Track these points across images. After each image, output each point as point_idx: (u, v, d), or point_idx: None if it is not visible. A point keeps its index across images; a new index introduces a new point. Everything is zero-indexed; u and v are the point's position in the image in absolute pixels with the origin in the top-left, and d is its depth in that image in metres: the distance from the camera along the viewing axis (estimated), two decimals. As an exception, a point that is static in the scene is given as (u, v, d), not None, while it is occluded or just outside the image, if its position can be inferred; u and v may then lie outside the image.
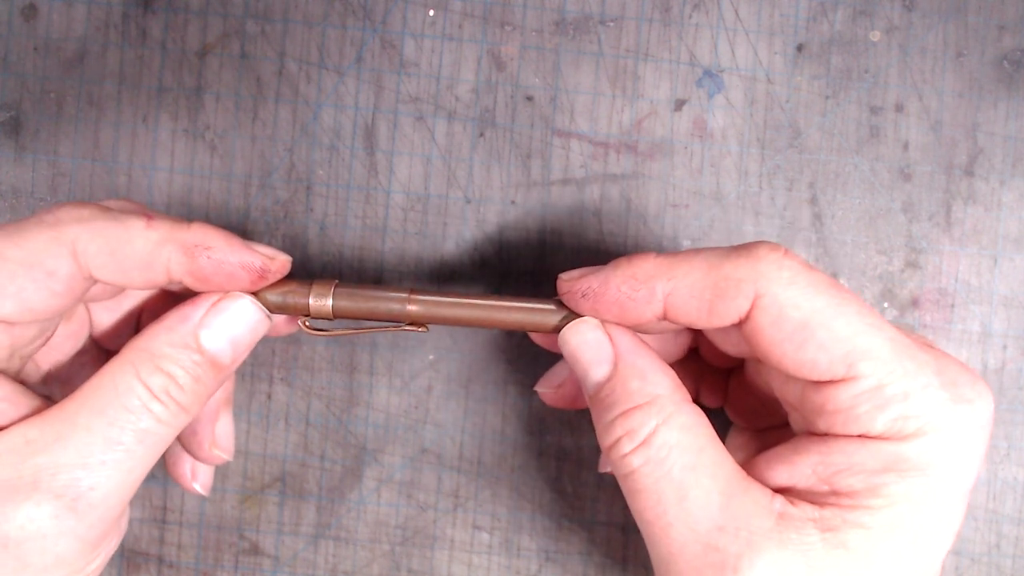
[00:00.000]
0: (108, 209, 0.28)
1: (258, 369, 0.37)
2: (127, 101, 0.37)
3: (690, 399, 0.28)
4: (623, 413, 0.27)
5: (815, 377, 0.26)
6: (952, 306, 0.37)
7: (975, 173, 0.37)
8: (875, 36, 0.37)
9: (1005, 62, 0.37)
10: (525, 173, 0.37)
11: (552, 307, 0.29)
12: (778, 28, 0.37)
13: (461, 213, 0.37)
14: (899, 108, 0.37)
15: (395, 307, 0.29)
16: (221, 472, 0.37)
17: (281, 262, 0.29)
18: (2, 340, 0.27)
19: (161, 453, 0.28)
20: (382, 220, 0.37)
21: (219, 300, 0.29)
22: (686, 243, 0.37)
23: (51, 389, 0.31)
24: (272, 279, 0.29)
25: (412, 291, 0.30)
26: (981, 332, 0.37)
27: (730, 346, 0.31)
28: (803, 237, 0.37)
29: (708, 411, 0.28)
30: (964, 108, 0.37)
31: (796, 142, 0.37)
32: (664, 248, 0.37)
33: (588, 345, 0.29)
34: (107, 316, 0.32)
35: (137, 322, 0.33)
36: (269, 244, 0.30)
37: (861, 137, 0.37)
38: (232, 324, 0.29)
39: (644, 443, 0.27)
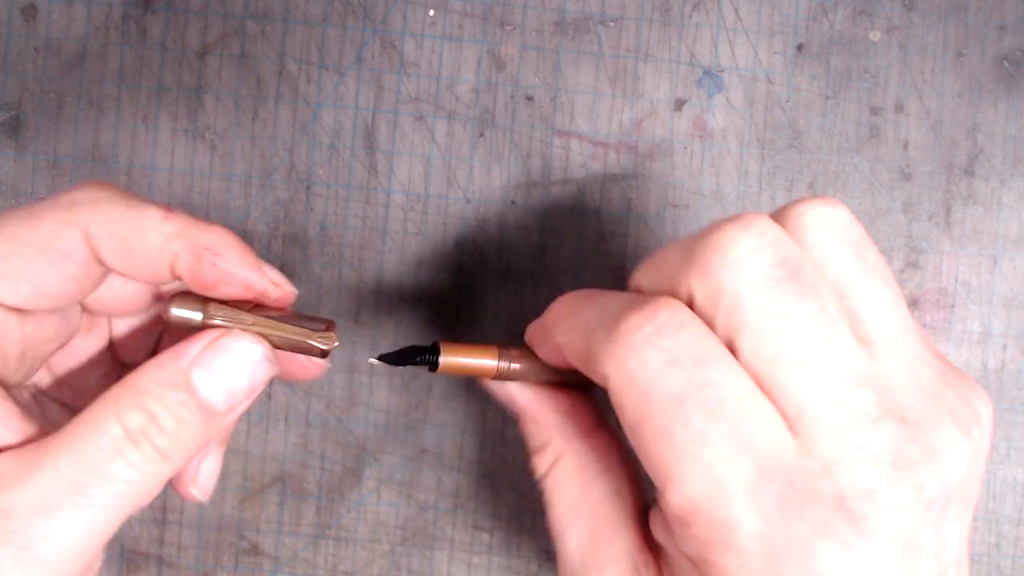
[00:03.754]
0: (128, 194, 0.27)
1: (258, 369, 0.37)
2: (127, 101, 0.37)
3: (590, 430, 0.29)
4: (533, 451, 0.29)
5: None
6: (952, 306, 0.37)
7: (975, 173, 0.37)
8: (875, 36, 0.37)
9: (1005, 62, 0.37)
10: (525, 173, 0.37)
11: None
12: (778, 28, 0.37)
13: (461, 213, 0.37)
14: (899, 108, 0.37)
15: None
16: (221, 472, 0.37)
17: (284, 294, 0.27)
18: (15, 334, 0.26)
19: (134, 507, 0.25)
20: (382, 220, 0.37)
21: (218, 337, 0.26)
22: (686, 243, 0.37)
23: (63, 396, 0.30)
24: (270, 306, 0.27)
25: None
26: (981, 332, 0.37)
27: None
28: (803, 237, 0.37)
29: None
30: (964, 108, 0.37)
31: (796, 142, 0.37)
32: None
33: (500, 396, 0.31)
34: (127, 329, 0.31)
35: (158, 343, 0.32)
36: (283, 273, 0.29)
37: (861, 137, 0.37)
38: (229, 366, 0.26)
39: (542, 478, 0.29)
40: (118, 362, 0.31)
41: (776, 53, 0.37)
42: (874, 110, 0.37)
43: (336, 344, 0.28)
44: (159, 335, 0.32)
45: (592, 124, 0.37)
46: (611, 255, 0.37)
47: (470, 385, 0.37)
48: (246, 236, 0.37)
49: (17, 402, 0.26)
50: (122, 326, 0.31)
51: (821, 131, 0.37)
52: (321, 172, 0.37)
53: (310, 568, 0.37)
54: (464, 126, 0.37)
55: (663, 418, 0.22)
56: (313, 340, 0.27)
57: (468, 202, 0.37)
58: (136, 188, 0.37)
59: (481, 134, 0.37)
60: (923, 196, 0.37)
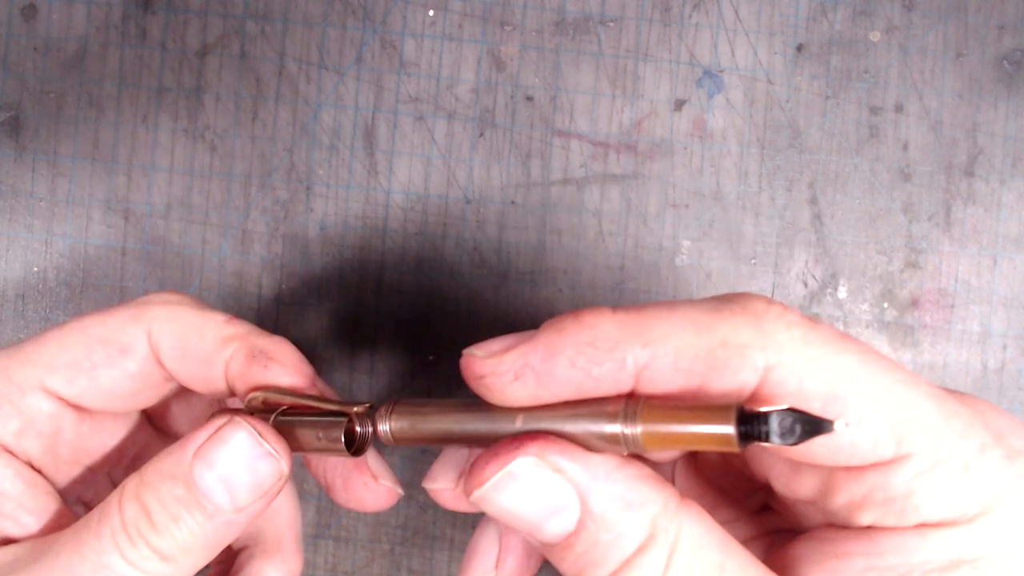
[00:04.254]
0: (200, 302, 0.26)
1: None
2: (127, 101, 0.37)
3: (679, 497, 0.21)
4: (621, 568, 0.20)
5: (856, 462, 0.21)
6: (952, 306, 0.37)
7: (975, 173, 0.37)
8: (875, 36, 0.37)
9: (1005, 62, 0.37)
10: (525, 173, 0.37)
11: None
12: (778, 28, 0.37)
13: (461, 213, 0.37)
14: (899, 108, 0.37)
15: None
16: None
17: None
18: (69, 433, 0.26)
19: None
20: (382, 220, 0.37)
21: (222, 426, 0.23)
22: (686, 243, 0.37)
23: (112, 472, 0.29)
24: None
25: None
26: (981, 332, 0.37)
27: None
28: (803, 237, 0.37)
29: None
30: (964, 108, 0.37)
31: (796, 142, 0.37)
32: (664, 248, 0.37)
33: (529, 497, 0.21)
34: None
35: None
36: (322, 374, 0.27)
37: (861, 137, 0.37)
38: (229, 458, 0.23)
39: None
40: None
41: (776, 53, 0.37)
42: (874, 110, 0.37)
43: (369, 430, 0.24)
44: None
45: (592, 124, 0.37)
46: (611, 255, 0.37)
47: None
48: (246, 236, 0.37)
49: (58, 496, 0.25)
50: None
51: (821, 131, 0.37)
52: (321, 172, 0.37)
53: (310, 568, 0.37)
54: (464, 126, 0.37)
55: (861, 351, 0.21)
56: (334, 431, 0.24)
57: (468, 202, 0.37)
58: (136, 188, 0.37)
59: (481, 134, 0.37)
60: (923, 196, 0.37)
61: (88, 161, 0.37)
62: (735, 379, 0.20)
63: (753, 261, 0.37)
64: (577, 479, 0.20)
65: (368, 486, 0.26)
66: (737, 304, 0.21)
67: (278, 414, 0.24)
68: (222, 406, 0.29)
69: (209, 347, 0.25)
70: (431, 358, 0.37)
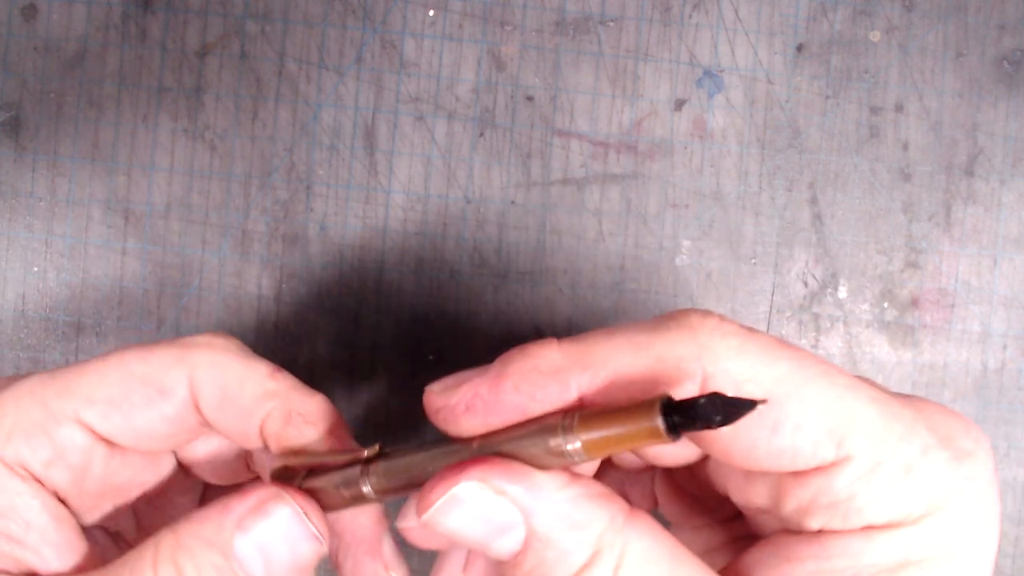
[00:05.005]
0: (246, 349, 0.26)
1: (258, 369, 0.37)
2: (127, 101, 0.37)
3: (630, 509, 0.21)
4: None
5: (799, 466, 0.21)
6: (952, 306, 0.37)
7: (975, 173, 0.37)
8: (875, 36, 0.37)
9: (1005, 62, 0.37)
10: (525, 173, 0.37)
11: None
12: (778, 28, 0.37)
13: (461, 213, 0.37)
14: (899, 108, 0.37)
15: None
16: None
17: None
18: (98, 467, 0.25)
19: None
20: (382, 220, 0.37)
21: (267, 500, 0.23)
22: (686, 243, 0.37)
23: (143, 538, 0.29)
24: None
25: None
26: (981, 332, 0.37)
27: (665, 449, 0.24)
28: (803, 237, 0.37)
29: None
30: (964, 108, 0.37)
31: (796, 142, 0.37)
32: (664, 248, 0.37)
33: (475, 518, 0.21)
34: (220, 493, 0.29)
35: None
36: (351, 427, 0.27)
37: (861, 137, 0.37)
38: (271, 534, 0.23)
39: None
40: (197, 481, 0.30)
41: (776, 53, 0.37)
42: (874, 110, 0.37)
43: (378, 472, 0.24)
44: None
45: (592, 124, 0.37)
46: (611, 255, 0.37)
47: (470, 385, 0.37)
48: (246, 236, 0.37)
49: (82, 532, 0.25)
50: (217, 489, 0.30)
51: (821, 131, 0.37)
52: (321, 172, 0.37)
53: (310, 568, 0.37)
54: (464, 126, 0.37)
55: (799, 357, 0.21)
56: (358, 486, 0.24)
57: (468, 202, 0.37)
58: (136, 188, 0.37)
59: (481, 134, 0.37)
60: (923, 196, 0.37)
61: (88, 161, 0.37)
62: (677, 392, 0.21)
63: (753, 261, 0.37)
64: (521, 500, 0.21)
65: (377, 574, 0.27)
66: (674, 321, 0.21)
67: (303, 478, 0.25)
68: (248, 459, 0.28)
69: (248, 402, 0.25)
70: (431, 358, 0.37)
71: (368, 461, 0.24)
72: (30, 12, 0.37)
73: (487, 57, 0.37)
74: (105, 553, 0.27)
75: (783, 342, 0.22)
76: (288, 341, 0.37)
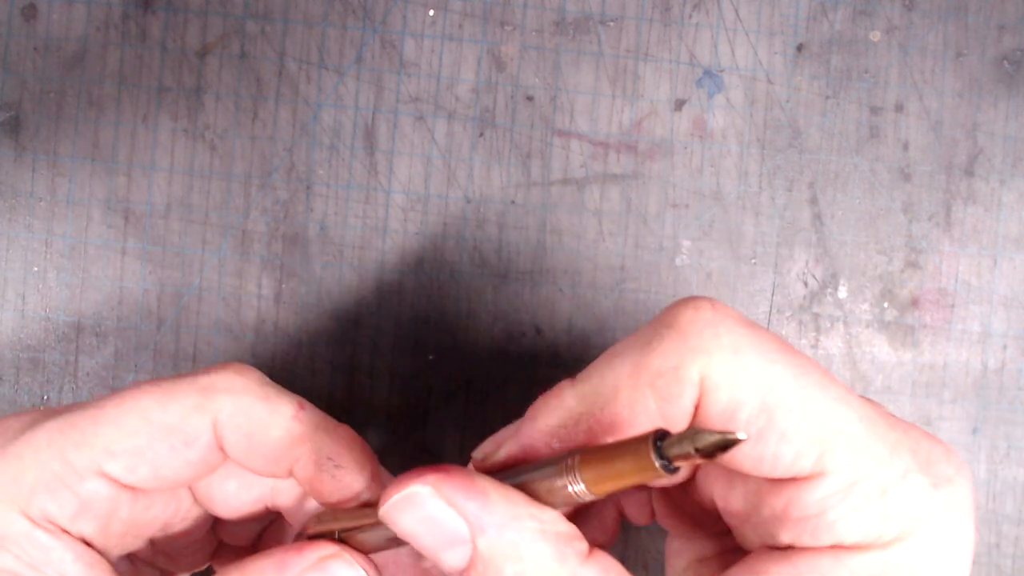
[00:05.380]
0: (265, 383, 0.26)
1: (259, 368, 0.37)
2: (127, 101, 0.37)
3: (589, 551, 0.21)
4: None
5: (778, 474, 0.21)
6: (952, 306, 0.37)
7: (975, 173, 0.37)
8: (875, 36, 0.37)
9: (1005, 62, 0.37)
10: (525, 173, 0.37)
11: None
12: (778, 28, 0.37)
13: (461, 213, 0.37)
14: (899, 108, 0.37)
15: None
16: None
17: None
18: (123, 511, 0.25)
19: None
20: (382, 220, 0.37)
21: (328, 558, 0.24)
22: (686, 243, 0.37)
23: (157, 561, 0.29)
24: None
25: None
26: (981, 332, 0.37)
27: None
28: (803, 237, 0.37)
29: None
30: (964, 108, 0.37)
31: (796, 142, 0.37)
32: (664, 248, 0.37)
33: (425, 524, 0.21)
34: (235, 516, 0.29)
35: (263, 532, 0.31)
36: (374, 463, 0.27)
37: (861, 137, 0.37)
38: None
39: None
40: (216, 537, 0.31)
41: (776, 53, 0.37)
42: (874, 110, 0.37)
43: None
44: (265, 524, 0.31)
45: (592, 124, 0.37)
46: (611, 255, 0.37)
47: (469, 385, 0.37)
48: (246, 236, 0.37)
49: (111, 570, 0.25)
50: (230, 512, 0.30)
51: (821, 131, 0.37)
52: (321, 172, 0.37)
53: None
54: (464, 126, 0.37)
55: (796, 361, 0.21)
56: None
57: (468, 202, 0.37)
58: (136, 188, 0.37)
59: (481, 134, 0.37)
60: (923, 196, 0.37)
61: (88, 161, 0.37)
62: (680, 402, 0.21)
63: (753, 261, 0.37)
64: (471, 516, 0.21)
65: None
66: (664, 325, 0.21)
67: (341, 531, 0.25)
68: (274, 503, 0.28)
69: (275, 448, 0.25)
70: (431, 358, 0.37)
71: None
72: (30, 12, 0.37)
73: (487, 57, 0.37)
74: None
75: (784, 344, 0.21)
76: (288, 341, 0.37)
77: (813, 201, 0.37)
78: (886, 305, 0.37)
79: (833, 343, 0.37)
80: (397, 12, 0.37)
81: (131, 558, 0.29)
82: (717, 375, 0.21)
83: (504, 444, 0.23)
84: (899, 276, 0.37)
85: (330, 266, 0.37)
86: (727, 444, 0.19)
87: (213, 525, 0.30)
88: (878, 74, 0.37)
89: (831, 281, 0.37)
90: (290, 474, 0.26)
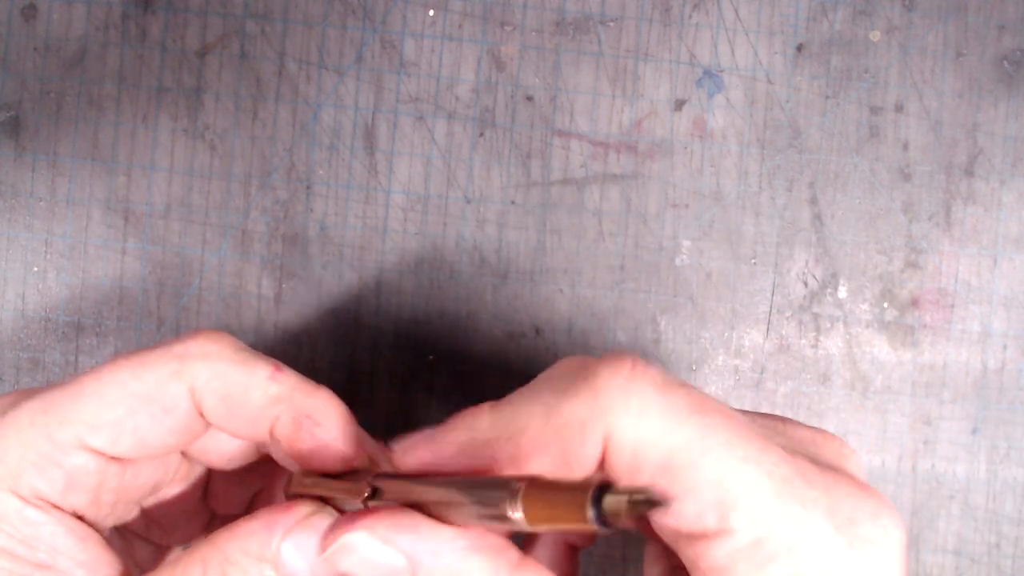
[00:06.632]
0: (240, 348, 0.26)
1: (258, 369, 0.37)
2: (127, 101, 0.37)
3: (519, 559, 0.22)
4: None
5: (683, 530, 0.22)
6: (952, 306, 0.37)
7: (975, 173, 0.37)
8: (875, 36, 0.37)
9: (1005, 62, 0.37)
10: (525, 173, 0.37)
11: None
12: (778, 28, 0.37)
13: (461, 213, 0.37)
14: (899, 108, 0.37)
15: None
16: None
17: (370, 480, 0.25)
18: (112, 482, 0.26)
19: None
20: (382, 220, 0.37)
21: (314, 515, 0.24)
22: (686, 243, 0.37)
23: (151, 534, 0.30)
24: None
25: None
26: (981, 332, 0.37)
27: None
28: (803, 237, 0.37)
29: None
30: (964, 108, 0.37)
31: (796, 142, 0.37)
32: (664, 248, 0.37)
33: (366, 565, 0.23)
34: (224, 481, 0.30)
35: (254, 497, 0.31)
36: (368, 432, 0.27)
37: (861, 137, 0.37)
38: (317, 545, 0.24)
39: None
40: (208, 507, 0.31)
41: (776, 53, 0.37)
42: (874, 110, 0.37)
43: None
44: (256, 490, 0.31)
45: (592, 124, 0.37)
46: (611, 255, 0.37)
47: (469, 385, 0.37)
48: (246, 236, 0.37)
49: (107, 545, 0.26)
50: (220, 478, 0.30)
51: (821, 131, 0.37)
52: (321, 172, 0.37)
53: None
54: (464, 126, 0.37)
55: (705, 422, 0.21)
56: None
57: (468, 202, 0.37)
58: (136, 188, 0.37)
59: (481, 134, 0.37)
60: (923, 196, 0.37)
61: (88, 161, 0.37)
62: (582, 452, 0.22)
63: (753, 261, 0.37)
64: (408, 549, 0.22)
65: None
66: (583, 378, 0.22)
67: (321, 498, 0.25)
68: (262, 450, 0.29)
69: (254, 409, 0.25)
70: (431, 358, 0.37)
71: (370, 497, 0.25)
72: (30, 12, 0.37)
73: (487, 57, 0.37)
74: (122, 551, 0.28)
75: (698, 401, 0.22)
76: (288, 341, 0.37)
77: (813, 201, 0.37)
78: (886, 305, 0.37)
79: (833, 343, 0.37)
80: (397, 12, 0.37)
81: (124, 531, 0.29)
82: (619, 436, 0.21)
83: (418, 446, 0.24)
84: (899, 276, 0.37)
85: (330, 266, 0.37)
86: (651, 503, 0.19)
87: (204, 494, 0.30)
88: (878, 74, 0.37)
89: (831, 281, 0.37)
90: (271, 435, 0.26)
